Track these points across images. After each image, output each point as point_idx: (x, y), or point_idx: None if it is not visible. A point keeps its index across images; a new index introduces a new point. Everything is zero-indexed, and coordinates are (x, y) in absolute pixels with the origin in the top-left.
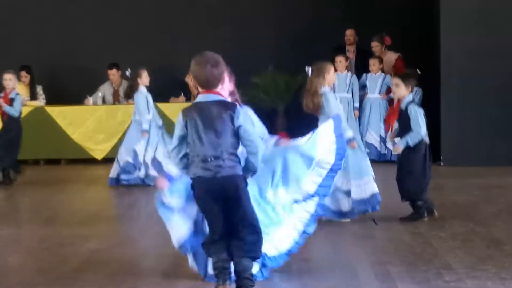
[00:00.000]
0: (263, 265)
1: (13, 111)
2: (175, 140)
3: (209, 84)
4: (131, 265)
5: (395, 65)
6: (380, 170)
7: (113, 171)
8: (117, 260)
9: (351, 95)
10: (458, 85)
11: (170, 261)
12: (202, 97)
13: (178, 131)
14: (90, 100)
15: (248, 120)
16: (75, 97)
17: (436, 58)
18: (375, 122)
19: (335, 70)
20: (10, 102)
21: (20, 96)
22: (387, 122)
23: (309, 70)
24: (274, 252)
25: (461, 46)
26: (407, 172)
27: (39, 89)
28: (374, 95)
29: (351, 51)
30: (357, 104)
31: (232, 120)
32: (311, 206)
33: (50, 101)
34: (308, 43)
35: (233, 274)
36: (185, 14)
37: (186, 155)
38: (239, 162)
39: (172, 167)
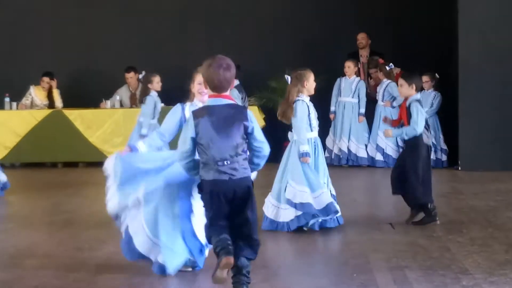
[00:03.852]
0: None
1: None
2: (188, 142)
3: (222, 88)
4: (148, 268)
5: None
6: (385, 176)
7: None
8: (134, 263)
9: (356, 100)
10: (476, 89)
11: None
12: (213, 101)
13: (189, 132)
14: (107, 103)
15: (257, 124)
16: (93, 100)
17: (455, 63)
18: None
19: (344, 75)
20: None
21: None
22: (398, 120)
23: (288, 78)
24: None
25: (479, 50)
26: (410, 176)
27: (56, 93)
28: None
29: (364, 55)
30: (362, 110)
31: (243, 123)
32: None
33: (68, 104)
34: (325, 48)
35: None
36: (203, 19)
37: (193, 159)
38: (248, 165)
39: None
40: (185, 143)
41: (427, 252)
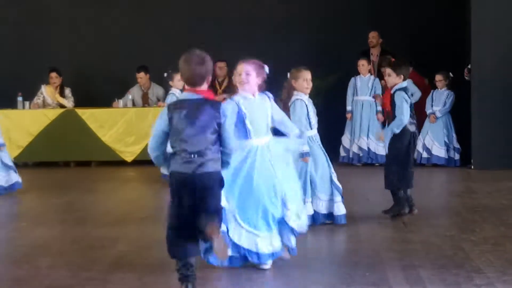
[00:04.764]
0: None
1: None
2: (156, 134)
3: (194, 82)
4: (160, 267)
5: (410, 77)
6: None
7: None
8: (147, 262)
9: (372, 99)
10: (489, 88)
11: (200, 264)
12: (187, 95)
13: (161, 126)
14: (119, 103)
15: (229, 119)
16: (105, 100)
17: (467, 62)
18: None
19: (358, 73)
20: None
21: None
22: (384, 109)
23: (288, 74)
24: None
25: (492, 50)
26: (390, 160)
27: (68, 91)
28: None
29: (374, 54)
30: (380, 107)
31: (215, 118)
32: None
33: (81, 103)
34: (337, 48)
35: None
36: (217, 20)
37: (163, 153)
38: (220, 159)
39: None
40: (156, 135)
41: (440, 250)
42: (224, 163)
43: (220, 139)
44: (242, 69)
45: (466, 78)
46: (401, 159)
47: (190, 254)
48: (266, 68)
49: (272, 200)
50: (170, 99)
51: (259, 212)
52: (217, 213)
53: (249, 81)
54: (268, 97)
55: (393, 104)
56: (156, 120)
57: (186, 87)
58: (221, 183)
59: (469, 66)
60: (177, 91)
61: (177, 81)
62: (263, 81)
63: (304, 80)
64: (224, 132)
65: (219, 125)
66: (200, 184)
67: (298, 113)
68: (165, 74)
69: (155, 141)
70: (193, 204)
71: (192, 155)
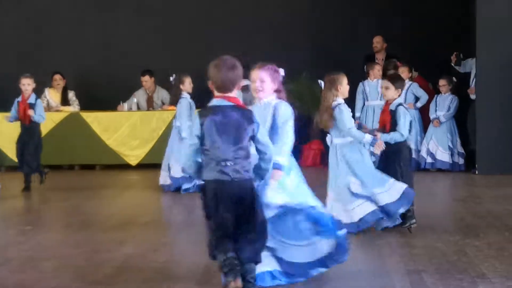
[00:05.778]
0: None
1: (41, 118)
2: (192, 140)
3: (225, 88)
4: (165, 271)
5: (416, 82)
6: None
7: (163, 178)
8: (151, 265)
9: (384, 102)
10: (494, 93)
11: (204, 268)
12: (218, 101)
13: (195, 132)
14: (124, 106)
15: (261, 127)
16: (109, 103)
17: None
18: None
19: (362, 78)
20: (30, 107)
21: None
22: (381, 124)
23: (321, 83)
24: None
25: (497, 55)
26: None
27: (72, 95)
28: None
29: (379, 58)
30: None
31: (248, 125)
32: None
33: (85, 107)
34: (341, 51)
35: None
36: (220, 22)
37: (197, 161)
38: (251, 167)
39: None
40: (192, 142)
41: (444, 256)
42: (261, 171)
43: (255, 148)
44: (257, 76)
45: (452, 64)
46: (402, 177)
47: (230, 250)
48: (282, 71)
49: None
50: (184, 104)
51: None
52: (261, 231)
53: (264, 89)
54: (275, 106)
55: (394, 118)
56: (192, 127)
57: (216, 93)
58: (257, 192)
59: (471, 59)
60: (188, 95)
61: (188, 84)
62: (280, 85)
63: (347, 84)
64: (258, 143)
65: (252, 135)
66: (239, 191)
67: (347, 116)
68: (171, 78)
69: (193, 149)
70: (234, 214)
71: (227, 163)
